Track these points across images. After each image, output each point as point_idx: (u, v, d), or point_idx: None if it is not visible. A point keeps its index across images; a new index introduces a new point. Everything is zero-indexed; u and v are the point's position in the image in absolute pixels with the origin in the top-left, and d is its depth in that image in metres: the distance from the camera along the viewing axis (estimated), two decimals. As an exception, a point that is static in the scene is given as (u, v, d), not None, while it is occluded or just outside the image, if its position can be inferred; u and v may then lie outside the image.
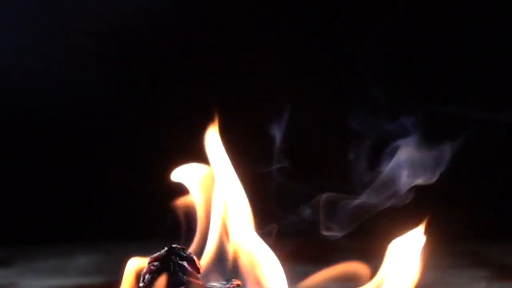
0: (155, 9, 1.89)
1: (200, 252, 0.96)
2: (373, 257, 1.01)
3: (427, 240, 1.20)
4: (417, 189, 1.14)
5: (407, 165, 1.03)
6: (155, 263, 0.87)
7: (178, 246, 0.88)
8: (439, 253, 1.57)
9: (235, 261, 0.96)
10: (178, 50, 1.88)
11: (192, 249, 0.96)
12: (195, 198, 0.99)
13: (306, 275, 1.01)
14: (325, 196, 1.07)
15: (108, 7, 1.87)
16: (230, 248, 0.97)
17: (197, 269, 0.88)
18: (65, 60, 1.89)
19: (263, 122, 1.12)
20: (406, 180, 1.03)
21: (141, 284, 0.87)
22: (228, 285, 0.88)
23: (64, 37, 1.88)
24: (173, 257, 0.87)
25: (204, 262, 0.95)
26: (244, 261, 0.96)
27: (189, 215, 1.00)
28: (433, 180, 1.03)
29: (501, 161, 1.85)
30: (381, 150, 1.10)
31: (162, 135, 1.84)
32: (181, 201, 1.00)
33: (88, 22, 1.87)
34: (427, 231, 0.98)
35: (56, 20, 1.88)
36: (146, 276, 0.87)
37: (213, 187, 0.99)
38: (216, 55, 1.85)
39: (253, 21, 1.85)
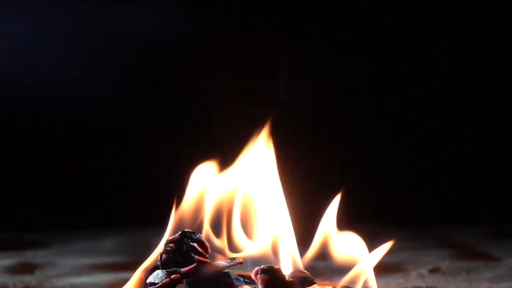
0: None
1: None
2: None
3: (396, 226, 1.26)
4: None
5: None
6: (171, 245, 0.91)
7: (190, 230, 0.93)
8: (408, 237, 1.66)
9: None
10: (198, 52, 1.91)
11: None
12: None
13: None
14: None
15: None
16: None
17: (206, 250, 0.92)
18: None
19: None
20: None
21: (158, 263, 0.91)
22: (232, 263, 0.92)
23: (82, 40, 1.91)
24: (185, 239, 0.91)
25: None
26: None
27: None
28: None
29: (464, 151, 1.88)
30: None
31: (182, 124, 1.88)
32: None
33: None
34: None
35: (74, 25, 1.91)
36: (163, 256, 0.91)
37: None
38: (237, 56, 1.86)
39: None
